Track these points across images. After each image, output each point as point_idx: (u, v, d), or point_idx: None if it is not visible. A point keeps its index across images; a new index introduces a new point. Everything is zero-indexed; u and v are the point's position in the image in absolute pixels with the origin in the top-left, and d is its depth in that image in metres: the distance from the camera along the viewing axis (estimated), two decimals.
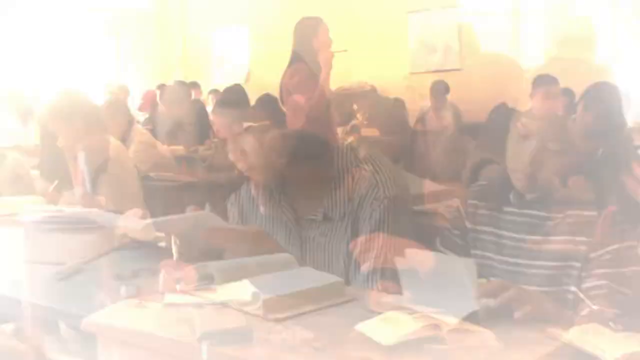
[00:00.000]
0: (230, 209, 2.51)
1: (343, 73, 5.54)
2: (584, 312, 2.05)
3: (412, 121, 6.11)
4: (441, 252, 2.32)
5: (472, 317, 1.82)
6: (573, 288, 2.10)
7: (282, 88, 3.80)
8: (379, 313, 1.84)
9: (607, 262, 2.07)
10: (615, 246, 2.08)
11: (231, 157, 2.27)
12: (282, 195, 2.41)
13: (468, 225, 2.30)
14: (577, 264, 2.10)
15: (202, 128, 6.38)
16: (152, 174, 4.24)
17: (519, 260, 2.17)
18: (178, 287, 2.04)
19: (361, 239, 2.30)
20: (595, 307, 2.04)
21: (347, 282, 2.32)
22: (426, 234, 2.81)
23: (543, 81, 4.27)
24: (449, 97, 6.07)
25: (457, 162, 3.48)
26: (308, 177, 2.36)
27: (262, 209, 2.45)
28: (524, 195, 2.19)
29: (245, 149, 2.26)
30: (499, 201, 2.23)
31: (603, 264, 2.07)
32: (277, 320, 1.84)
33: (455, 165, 3.48)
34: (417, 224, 2.82)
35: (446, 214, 2.86)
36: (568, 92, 4.24)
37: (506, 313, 1.85)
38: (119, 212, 2.51)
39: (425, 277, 1.92)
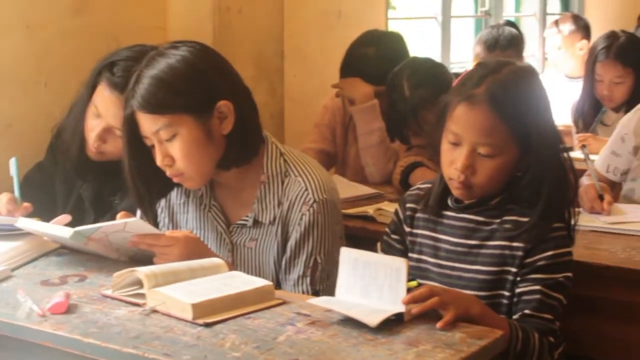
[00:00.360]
0: (160, 215, 2.51)
1: None
2: (516, 316, 2.09)
3: None
4: None
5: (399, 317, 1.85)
6: (507, 293, 2.14)
7: None
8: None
9: (542, 268, 2.10)
10: (550, 253, 2.11)
11: (159, 163, 2.26)
12: (212, 201, 2.41)
13: (407, 229, 2.32)
14: (513, 269, 2.13)
15: None
16: None
17: (456, 264, 2.20)
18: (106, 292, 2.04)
19: (291, 242, 2.32)
20: (527, 312, 2.08)
21: (278, 285, 2.33)
22: (364, 238, 2.85)
23: None
24: None
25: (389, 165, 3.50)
26: (238, 182, 2.37)
27: (192, 214, 2.45)
28: (462, 200, 2.22)
29: (173, 155, 2.25)
30: (438, 206, 2.26)
31: (538, 269, 2.10)
32: (207, 325, 1.85)
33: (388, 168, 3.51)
34: (352, 227, 2.86)
35: (381, 218, 2.89)
36: None
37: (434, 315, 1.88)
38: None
39: (357, 278, 1.94)
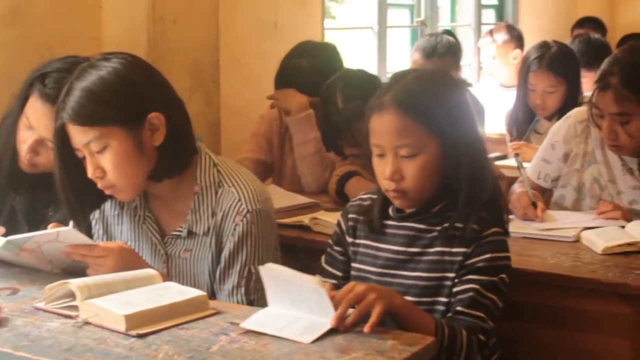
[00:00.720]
0: (94, 226, 2.49)
1: None
2: (449, 315, 2.12)
3: None
4: (325, 269, 2.36)
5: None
6: (444, 299, 2.17)
7: None
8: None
9: (479, 269, 2.14)
10: (488, 255, 2.15)
11: (90, 175, 2.25)
12: (146, 212, 2.41)
13: (349, 239, 2.34)
14: (452, 275, 2.16)
15: None
16: None
17: (398, 272, 2.22)
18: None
19: (225, 253, 2.32)
20: (458, 309, 2.11)
21: (213, 296, 2.34)
22: (300, 247, 2.86)
23: None
24: None
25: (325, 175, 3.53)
26: (171, 193, 2.37)
27: (126, 225, 2.44)
28: (404, 209, 2.24)
29: (104, 167, 2.25)
30: (379, 216, 2.28)
31: (474, 270, 2.14)
32: (140, 336, 1.84)
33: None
34: (287, 237, 2.87)
35: (317, 227, 2.91)
36: None
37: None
38: None
39: (283, 292, 1.95)
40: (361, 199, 2.38)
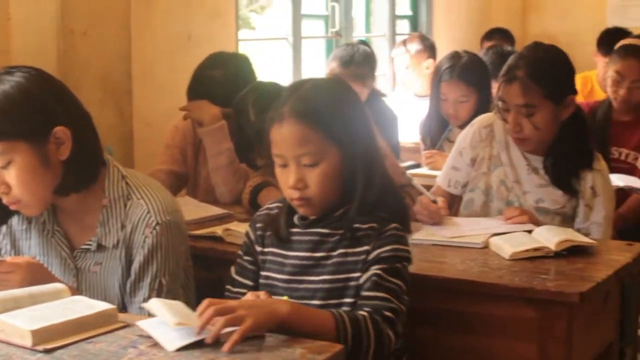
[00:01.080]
0: (2, 242, 2.47)
1: None
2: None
3: None
4: (235, 279, 2.36)
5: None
6: (350, 300, 2.20)
7: None
8: None
9: (381, 259, 2.18)
10: (389, 247, 2.19)
11: None
12: (55, 226, 2.39)
13: (258, 248, 2.35)
14: (357, 275, 2.20)
15: None
16: None
17: (304, 277, 2.25)
18: None
19: (135, 265, 2.32)
20: (363, 294, 2.14)
21: (124, 309, 2.33)
22: (212, 258, 2.86)
23: None
24: None
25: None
26: (80, 207, 2.35)
27: (35, 240, 2.42)
28: (308, 217, 2.27)
29: (9, 183, 2.22)
30: (285, 224, 2.30)
31: (377, 260, 2.18)
32: (47, 351, 1.83)
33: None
34: (200, 248, 2.87)
35: (230, 238, 2.91)
36: None
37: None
38: None
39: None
40: (268, 209, 2.40)
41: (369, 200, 2.23)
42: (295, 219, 2.31)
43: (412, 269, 2.28)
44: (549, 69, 3.09)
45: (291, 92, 2.27)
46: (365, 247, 2.21)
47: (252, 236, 2.38)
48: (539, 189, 3.15)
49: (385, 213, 2.24)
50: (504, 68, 3.12)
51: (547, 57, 3.13)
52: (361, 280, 2.18)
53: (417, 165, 4.69)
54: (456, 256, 2.72)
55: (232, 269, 2.40)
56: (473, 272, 2.57)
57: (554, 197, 3.12)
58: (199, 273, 2.61)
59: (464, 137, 3.32)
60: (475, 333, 2.53)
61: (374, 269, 2.17)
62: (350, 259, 2.22)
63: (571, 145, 3.11)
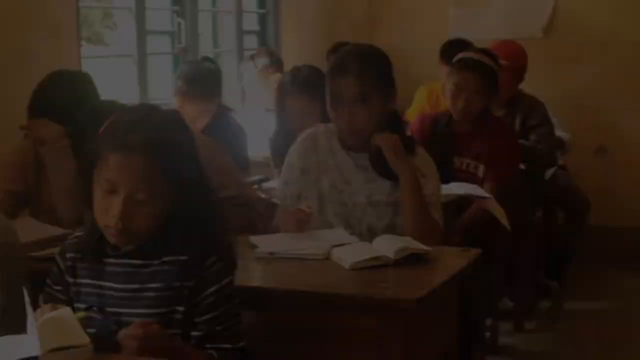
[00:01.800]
0: None
1: None
2: None
3: None
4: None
5: None
6: (177, 331, 2.21)
7: None
8: None
9: (211, 306, 2.20)
10: (213, 288, 2.20)
11: None
12: None
13: (69, 279, 2.30)
14: (182, 308, 2.20)
15: None
16: None
17: (123, 310, 2.22)
18: None
19: None
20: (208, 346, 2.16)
21: None
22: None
23: None
24: None
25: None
26: None
27: None
28: (120, 247, 2.24)
29: None
30: (96, 254, 2.26)
31: (208, 308, 2.20)
32: None
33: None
34: (40, 269, 2.80)
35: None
36: None
37: None
38: None
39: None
40: (77, 237, 2.35)
41: (187, 232, 2.22)
42: (107, 248, 2.27)
43: (257, 282, 2.31)
44: (378, 63, 3.21)
45: (138, 119, 2.21)
46: (187, 283, 2.20)
47: (62, 266, 2.32)
48: (368, 184, 3.21)
49: (204, 241, 2.24)
50: (335, 63, 3.21)
51: (373, 52, 3.27)
52: (198, 332, 2.20)
53: (266, 180, 4.71)
54: (298, 268, 2.75)
55: (40, 298, 2.33)
56: (315, 283, 2.61)
57: (383, 189, 3.19)
58: (37, 295, 2.55)
59: (291, 152, 3.39)
60: (318, 343, 2.56)
61: (206, 322, 2.20)
62: (171, 293, 2.20)
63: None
